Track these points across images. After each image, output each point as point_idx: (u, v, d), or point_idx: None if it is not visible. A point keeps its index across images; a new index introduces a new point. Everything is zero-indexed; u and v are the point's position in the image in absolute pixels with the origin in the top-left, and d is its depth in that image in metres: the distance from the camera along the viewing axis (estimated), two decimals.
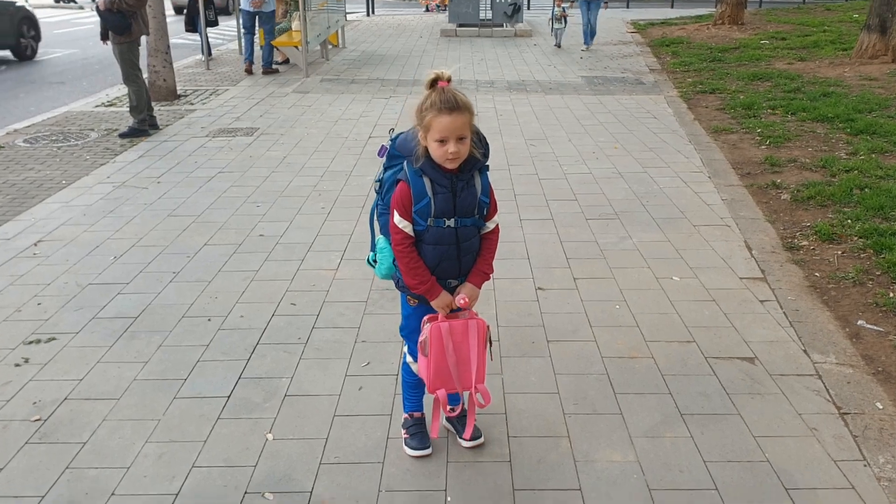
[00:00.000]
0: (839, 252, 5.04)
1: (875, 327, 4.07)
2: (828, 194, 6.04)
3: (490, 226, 2.91)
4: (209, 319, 4.29)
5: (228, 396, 3.55)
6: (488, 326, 2.93)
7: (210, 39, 13.61)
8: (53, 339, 4.08)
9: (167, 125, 8.93)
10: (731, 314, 4.26)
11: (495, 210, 2.92)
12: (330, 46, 14.57)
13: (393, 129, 3.00)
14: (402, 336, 3.15)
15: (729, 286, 4.61)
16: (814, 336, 4.00)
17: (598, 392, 3.54)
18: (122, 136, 8.25)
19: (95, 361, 3.85)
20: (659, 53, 14.58)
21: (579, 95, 10.66)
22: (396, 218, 2.78)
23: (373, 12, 23.56)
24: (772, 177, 6.72)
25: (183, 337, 4.10)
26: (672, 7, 25.18)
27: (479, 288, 2.93)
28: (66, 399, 3.53)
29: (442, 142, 2.64)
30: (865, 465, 3.01)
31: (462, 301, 2.83)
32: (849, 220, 5.47)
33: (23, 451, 3.18)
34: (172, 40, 10.43)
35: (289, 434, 3.27)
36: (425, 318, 2.90)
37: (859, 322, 4.14)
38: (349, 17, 19.08)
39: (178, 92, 10.67)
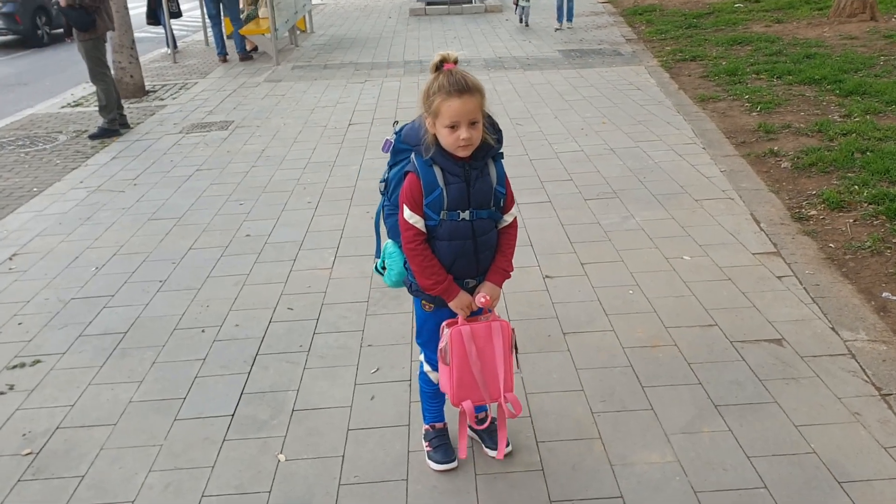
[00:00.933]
0: (850, 220, 4.89)
1: None
2: (829, 160, 5.88)
3: (508, 219, 2.70)
4: (203, 331, 4.04)
5: (233, 415, 3.32)
6: (513, 329, 2.71)
7: (174, 31, 13.19)
8: (39, 361, 3.82)
9: (138, 123, 8.59)
10: (749, 293, 4.09)
11: (513, 201, 2.71)
12: (298, 32, 14.19)
13: (398, 122, 2.78)
14: (418, 344, 2.93)
15: (742, 263, 4.44)
16: (840, 312, 3.84)
17: (624, 387, 3.35)
18: (93, 137, 7.91)
19: (86, 384, 3.60)
20: (633, 22, 14.36)
21: (559, 70, 10.43)
22: (406, 213, 2.56)
23: None
24: (768, 144, 6.56)
25: (177, 352, 3.86)
26: None
27: (501, 287, 2.71)
28: (58, 428, 3.29)
29: (453, 127, 2.43)
30: None
31: (483, 300, 2.61)
32: (856, 186, 5.32)
33: (15, 490, 2.94)
34: (135, 34, 10.04)
35: (302, 454, 3.05)
36: (444, 323, 2.68)
37: (884, 294, 3.99)
38: (314, 0, 18.65)
39: (147, 88, 10.30)
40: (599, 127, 7.48)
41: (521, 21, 14.48)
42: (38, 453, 3.14)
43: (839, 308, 3.88)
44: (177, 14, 13.25)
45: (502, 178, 2.64)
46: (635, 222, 5.12)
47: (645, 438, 3.02)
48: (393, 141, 2.69)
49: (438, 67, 2.48)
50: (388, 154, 2.72)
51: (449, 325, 2.66)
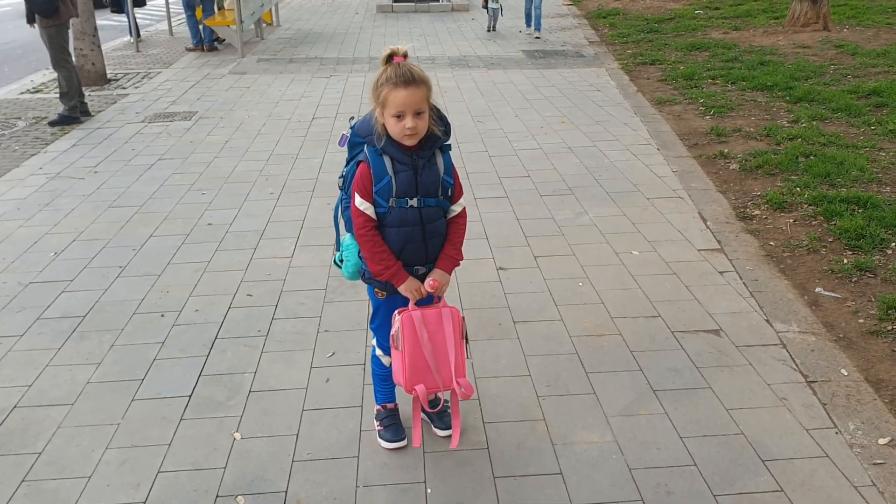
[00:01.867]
0: (791, 220, 5.11)
1: (832, 294, 4.14)
2: (775, 163, 6.12)
3: (456, 209, 2.83)
4: (162, 315, 4.12)
5: (190, 396, 3.41)
6: (463, 317, 2.85)
7: (137, 20, 13.12)
8: None
9: (99, 111, 8.58)
10: (692, 287, 4.28)
11: (461, 192, 2.84)
12: (264, 25, 14.20)
13: (353, 117, 2.89)
14: (371, 329, 3.05)
15: (688, 258, 4.63)
16: (775, 305, 4.04)
17: (569, 372, 3.51)
18: (53, 124, 7.88)
19: (44, 365, 3.66)
20: (596, 25, 14.59)
21: (522, 70, 10.60)
22: (357, 200, 2.68)
23: None
24: (719, 147, 6.79)
25: (136, 335, 3.93)
26: None
27: (449, 274, 2.84)
28: (15, 407, 3.35)
29: (399, 117, 2.55)
30: (837, 433, 3.05)
31: (432, 282, 2.74)
32: (797, 188, 5.55)
33: None
34: (98, 22, 10.00)
35: (257, 432, 3.16)
36: (396, 311, 2.80)
37: (817, 289, 4.20)
38: None
39: (109, 76, 10.26)
40: (559, 126, 7.65)
41: (490, 26, 13.71)
42: None
43: (774, 302, 4.09)
44: (140, 3, 13.19)
45: (449, 168, 2.77)
46: (588, 218, 5.29)
47: (586, 420, 3.18)
48: (348, 136, 2.80)
49: (388, 60, 2.61)
50: (346, 149, 2.83)
51: (400, 312, 2.78)
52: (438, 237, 2.79)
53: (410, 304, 2.78)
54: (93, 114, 8.37)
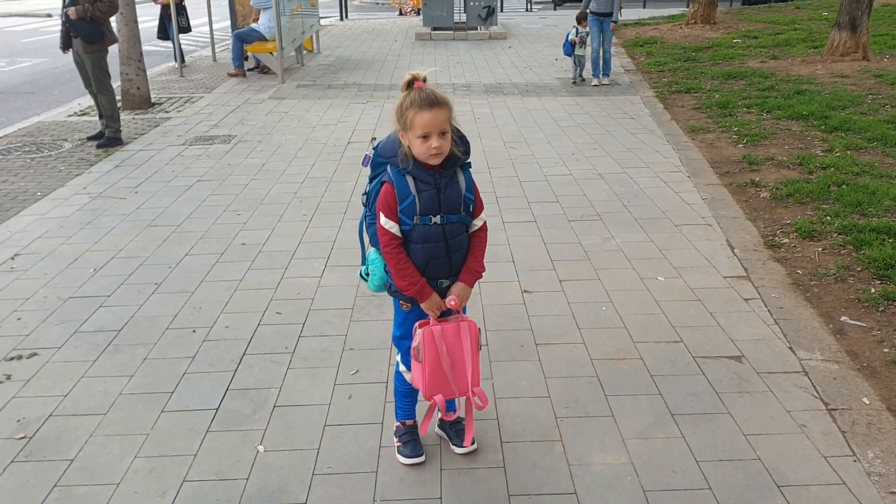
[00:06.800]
0: (820, 249, 5.09)
1: (858, 323, 4.12)
2: (806, 192, 6.10)
3: (478, 223, 2.93)
4: (194, 331, 4.24)
5: (217, 409, 3.51)
6: (479, 329, 2.93)
7: (182, 46, 13.50)
8: (35, 354, 4.02)
9: (142, 134, 8.84)
10: (716, 313, 4.29)
11: (481, 207, 2.93)
12: (305, 52, 14.50)
13: (375, 138, 3.00)
14: (394, 344, 3.13)
15: (713, 285, 4.64)
16: (799, 333, 4.04)
17: (589, 395, 3.54)
18: (100, 146, 8.15)
19: (80, 376, 3.80)
20: (633, 54, 14.64)
21: (556, 97, 10.69)
22: (382, 219, 2.79)
23: (346, 16, 23.48)
24: (750, 175, 6.78)
25: (168, 349, 4.05)
26: (644, 7, 25.33)
27: (471, 287, 2.93)
28: (51, 416, 3.48)
29: (424, 137, 2.65)
30: (855, 461, 3.04)
31: (452, 302, 2.83)
32: (828, 217, 5.52)
33: (8, 469, 3.12)
34: (143, 48, 10.32)
35: (280, 445, 3.24)
36: (416, 324, 2.90)
37: (843, 318, 4.18)
38: (322, 21, 19.00)
39: (152, 100, 10.56)
40: (590, 153, 7.70)
41: (576, 76, 11.66)
42: (31, 438, 3.32)
43: (798, 330, 4.08)
44: (186, 29, 13.57)
45: (470, 185, 2.87)
46: (615, 244, 5.32)
47: (603, 442, 3.21)
48: (371, 156, 2.91)
49: (409, 85, 2.72)
50: (369, 168, 2.94)
51: (421, 326, 2.88)
52: (461, 251, 2.88)
53: (431, 319, 2.87)
54: (135, 137, 8.59)
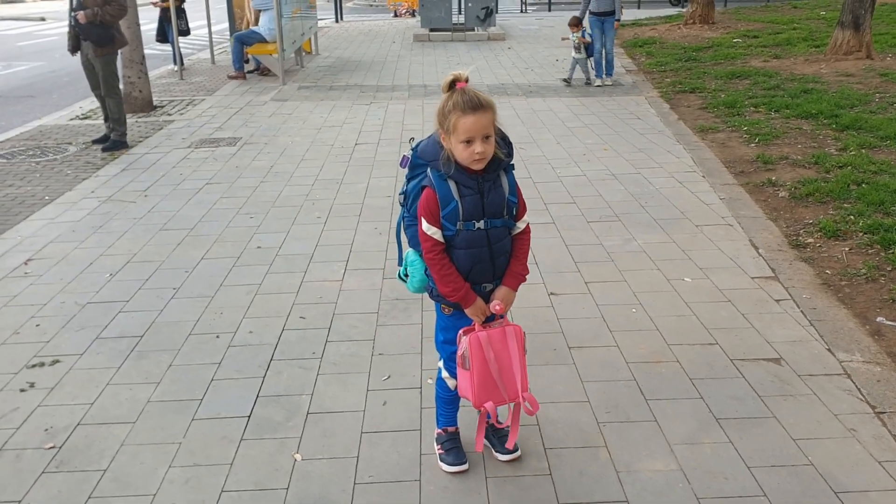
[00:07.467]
0: (846, 248, 5.04)
1: (895, 324, 4.06)
2: (826, 191, 6.05)
3: (521, 226, 2.85)
4: (217, 336, 4.15)
5: (249, 416, 3.42)
6: (524, 333, 2.86)
7: (181, 49, 13.38)
8: (58, 361, 3.92)
9: (147, 137, 8.73)
10: (748, 314, 4.23)
11: (524, 209, 2.86)
12: (304, 53, 14.41)
13: (413, 139, 2.93)
14: (437, 349, 3.05)
15: (742, 286, 4.58)
16: (835, 334, 3.98)
17: (628, 399, 3.47)
18: (106, 149, 8.04)
19: (105, 384, 3.70)
20: (633, 54, 14.61)
21: (560, 98, 10.63)
22: (425, 225, 2.71)
23: (341, 18, 23.40)
24: (766, 174, 6.73)
25: (192, 355, 3.96)
26: (639, 8, 25.34)
27: (515, 290, 2.86)
28: (79, 424, 3.39)
29: (468, 142, 2.57)
30: None
31: (497, 307, 2.76)
32: (851, 217, 5.47)
33: (40, 481, 3.03)
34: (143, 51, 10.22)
35: (317, 454, 3.15)
36: (460, 331, 2.82)
37: (878, 319, 4.13)
38: (319, 23, 18.91)
39: (155, 103, 10.45)
40: (601, 153, 7.65)
41: (566, 78, 11.70)
42: (60, 447, 3.23)
43: (835, 331, 4.02)
44: (185, 32, 13.47)
45: (513, 188, 2.79)
46: (637, 245, 5.26)
47: (649, 448, 3.13)
48: (410, 157, 2.83)
49: (451, 86, 2.63)
50: (406, 169, 2.86)
51: (466, 333, 2.80)
52: (505, 255, 2.81)
53: (476, 325, 2.79)
54: (130, 144, 8.38)
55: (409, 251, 2.92)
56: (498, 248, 2.77)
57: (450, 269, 2.74)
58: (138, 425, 3.37)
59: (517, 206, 2.81)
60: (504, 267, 2.82)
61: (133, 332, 4.20)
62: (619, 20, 11.29)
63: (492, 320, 2.84)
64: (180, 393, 3.62)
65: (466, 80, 2.64)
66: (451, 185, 2.68)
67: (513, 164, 2.80)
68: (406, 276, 2.94)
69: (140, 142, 8.49)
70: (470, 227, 2.70)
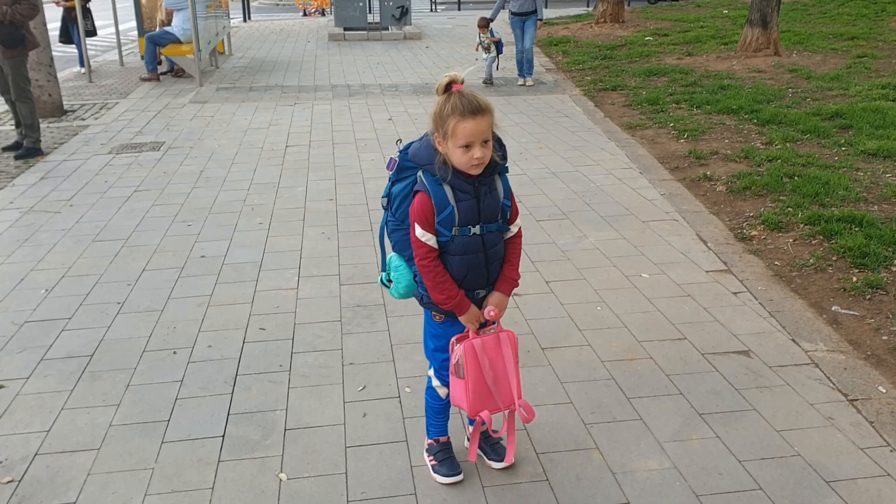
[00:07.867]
0: (790, 240, 5.20)
1: (850, 312, 4.20)
2: (761, 184, 6.24)
3: (514, 229, 2.79)
4: (175, 352, 3.94)
5: (223, 436, 3.25)
6: (517, 338, 2.81)
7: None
8: (1, 386, 3.64)
9: (62, 143, 8.27)
10: (710, 308, 4.30)
11: (517, 213, 2.80)
12: (218, 54, 13.98)
13: (401, 141, 2.83)
14: (427, 357, 2.96)
15: (698, 280, 4.66)
16: (796, 325, 4.08)
17: (610, 398, 3.47)
18: (18, 157, 7.56)
19: (59, 408, 3.46)
20: (549, 53, 14.79)
21: (487, 97, 10.60)
22: (419, 231, 2.61)
23: (249, 18, 22.87)
24: (700, 169, 6.89)
25: (151, 374, 3.74)
26: (546, 6, 25.73)
27: (508, 296, 2.80)
28: (37, 454, 3.14)
29: (466, 147, 2.49)
30: (892, 451, 3.07)
31: (492, 313, 2.69)
32: (790, 209, 5.65)
33: None
34: None
35: (303, 472, 3.02)
36: (453, 339, 2.74)
37: (834, 308, 4.26)
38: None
39: (65, 107, 9.94)
40: (537, 152, 7.68)
41: (487, 77, 11.71)
42: (20, 481, 2.99)
43: (795, 321, 4.13)
44: (92, 33, 12.88)
45: (508, 191, 2.73)
46: (590, 242, 5.29)
47: (639, 447, 3.13)
48: (397, 159, 2.73)
49: (447, 88, 2.55)
50: (391, 171, 2.75)
51: (459, 340, 2.72)
52: (499, 260, 2.75)
53: (470, 332, 2.72)
54: (44, 151, 7.93)
55: (391, 255, 2.82)
56: (492, 254, 2.71)
57: (444, 277, 2.65)
58: (103, 451, 3.16)
59: (511, 210, 2.75)
60: (497, 272, 2.76)
61: (81, 352, 3.94)
62: (542, 20, 11.33)
63: (484, 326, 2.77)
64: (144, 414, 3.41)
65: (462, 82, 2.56)
66: (447, 189, 2.59)
67: (507, 167, 2.73)
68: (389, 281, 2.84)
69: (55, 148, 8.04)
70: (465, 233, 2.63)
